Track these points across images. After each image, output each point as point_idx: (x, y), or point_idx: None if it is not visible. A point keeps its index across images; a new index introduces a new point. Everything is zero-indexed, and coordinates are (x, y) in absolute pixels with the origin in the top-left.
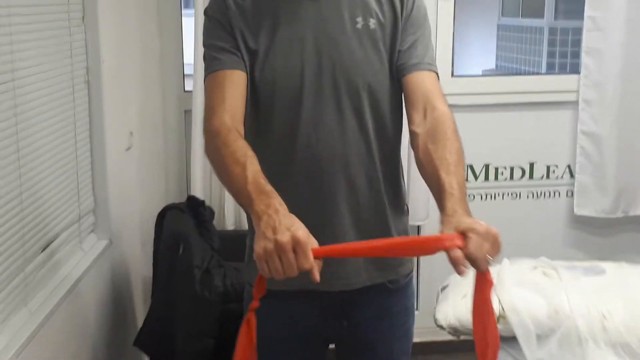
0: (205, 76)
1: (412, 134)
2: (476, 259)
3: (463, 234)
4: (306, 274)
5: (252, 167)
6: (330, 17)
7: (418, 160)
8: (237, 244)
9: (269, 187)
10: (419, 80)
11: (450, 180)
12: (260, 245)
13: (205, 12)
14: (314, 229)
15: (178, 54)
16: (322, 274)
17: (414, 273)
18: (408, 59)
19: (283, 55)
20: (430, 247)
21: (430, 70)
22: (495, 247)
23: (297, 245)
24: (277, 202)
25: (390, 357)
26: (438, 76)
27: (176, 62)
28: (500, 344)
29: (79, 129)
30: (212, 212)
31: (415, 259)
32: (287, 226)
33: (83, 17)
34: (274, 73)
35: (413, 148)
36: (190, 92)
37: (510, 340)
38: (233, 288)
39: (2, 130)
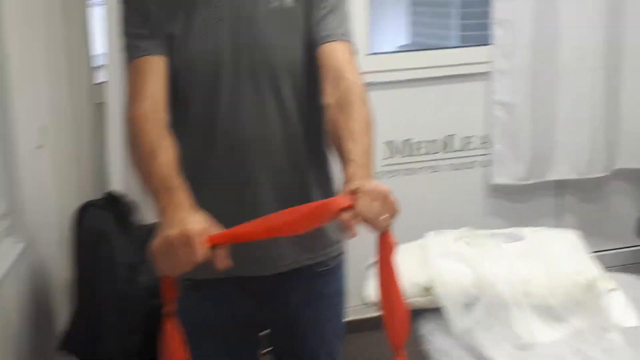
0: (126, 62)
1: (326, 107)
2: (367, 217)
3: (352, 195)
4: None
5: (162, 160)
6: None
7: (328, 132)
8: None
9: (175, 182)
10: (331, 51)
11: (352, 148)
12: (153, 242)
13: None
14: (239, 214)
15: (85, 45)
16: (248, 259)
17: None
18: (321, 30)
19: (199, 38)
20: (321, 212)
21: (342, 40)
22: (387, 205)
23: (187, 239)
24: (181, 198)
25: (322, 339)
26: (354, 46)
27: (84, 54)
28: (409, 314)
29: None
30: (132, 206)
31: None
32: (179, 220)
33: None
34: (190, 56)
35: (326, 119)
36: (100, 84)
37: (437, 310)
38: (158, 282)
39: None
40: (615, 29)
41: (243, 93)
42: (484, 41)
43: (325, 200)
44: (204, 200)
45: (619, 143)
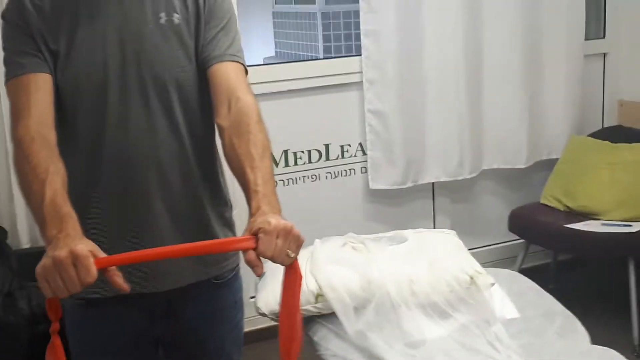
0: (7, 81)
1: (219, 128)
2: (270, 257)
3: (253, 236)
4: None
5: (51, 186)
6: (133, 12)
7: (225, 155)
8: (36, 262)
9: (65, 210)
10: (223, 72)
11: (254, 177)
12: (40, 264)
13: (2, 16)
14: (132, 234)
15: None
16: (140, 275)
17: None
18: (211, 50)
19: (85, 54)
20: (224, 249)
21: (234, 61)
22: (291, 240)
23: (76, 259)
24: (71, 227)
25: (222, 351)
26: (245, 67)
27: None
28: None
29: None
30: (4, 232)
31: (239, 253)
32: (67, 242)
33: None
34: (76, 73)
35: (221, 142)
36: None
37: (330, 316)
38: (40, 308)
39: None
40: (474, 40)
41: (131, 109)
42: (344, 51)
43: (228, 240)
44: (94, 219)
45: (484, 145)
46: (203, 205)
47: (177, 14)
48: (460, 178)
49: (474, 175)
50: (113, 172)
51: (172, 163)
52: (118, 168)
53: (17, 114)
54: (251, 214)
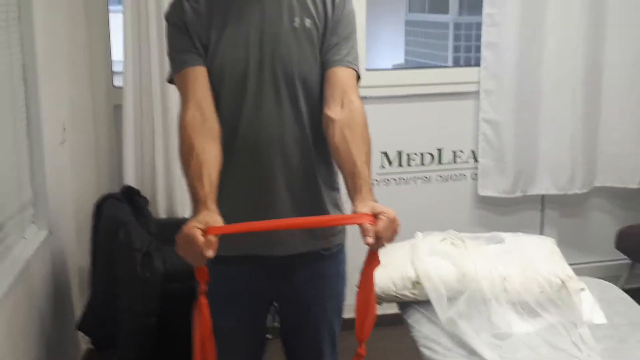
0: (174, 76)
1: (329, 119)
2: (380, 236)
3: (375, 215)
4: (248, 241)
5: (203, 167)
6: (272, 16)
7: (333, 143)
8: (171, 230)
9: (207, 189)
10: (339, 74)
11: (364, 170)
12: (177, 237)
13: (166, 18)
14: (255, 200)
15: (106, 50)
16: (262, 241)
17: None
18: (333, 55)
19: (230, 48)
20: (348, 221)
21: (350, 67)
22: (394, 233)
23: (190, 238)
24: (204, 198)
25: (324, 315)
26: (359, 76)
27: (104, 59)
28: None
29: (18, 124)
30: (146, 201)
31: (345, 233)
32: (198, 218)
33: (19, 17)
34: (221, 64)
35: (327, 131)
36: (119, 87)
37: (425, 302)
38: (173, 269)
39: None
40: (594, 54)
41: (265, 99)
42: (473, 62)
43: (353, 215)
44: (226, 193)
45: (597, 162)
46: (319, 186)
47: (309, 19)
48: (570, 192)
49: (584, 191)
50: (244, 152)
51: (294, 146)
52: (249, 148)
53: (183, 104)
54: (361, 198)
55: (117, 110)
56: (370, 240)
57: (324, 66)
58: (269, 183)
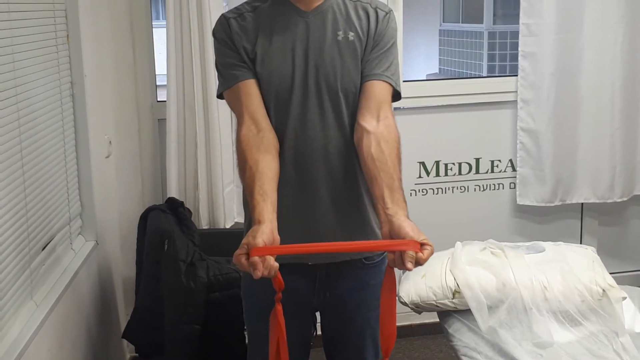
0: (224, 91)
1: (363, 130)
2: (421, 264)
3: (422, 244)
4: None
5: (256, 180)
6: (316, 30)
7: (369, 153)
8: (213, 240)
9: (260, 202)
10: (376, 87)
11: (402, 188)
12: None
13: (213, 35)
14: (299, 207)
15: (150, 65)
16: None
17: None
18: (372, 68)
19: (276, 62)
20: (396, 247)
21: (388, 82)
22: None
23: (238, 261)
24: (257, 212)
25: (367, 324)
26: (397, 93)
27: (149, 74)
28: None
29: (67, 138)
30: (189, 212)
31: None
32: (253, 233)
33: (68, 36)
34: (269, 76)
35: (360, 141)
36: (162, 102)
37: (465, 311)
38: (216, 279)
39: (8, 141)
40: (632, 62)
41: (309, 109)
42: (508, 71)
43: (400, 242)
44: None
45: (636, 171)
46: (361, 196)
47: (353, 32)
48: (610, 201)
49: (624, 199)
50: (290, 161)
51: (337, 156)
52: (294, 158)
53: (238, 119)
54: (398, 213)
55: (161, 124)
56: (411, 267)
57: (363, 78)
58: (313, 193)
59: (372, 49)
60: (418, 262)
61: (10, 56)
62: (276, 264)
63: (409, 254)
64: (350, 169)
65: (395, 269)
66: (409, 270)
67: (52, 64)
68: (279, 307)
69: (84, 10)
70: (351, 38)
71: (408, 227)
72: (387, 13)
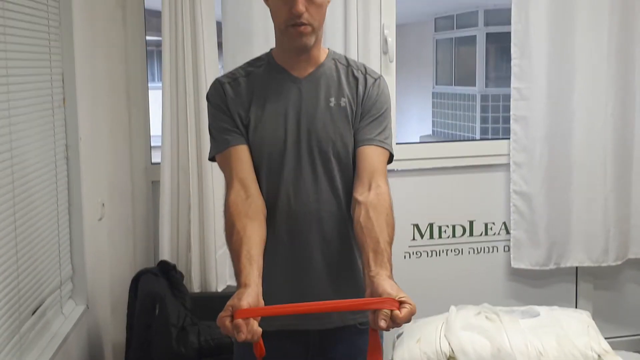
0: (215, 154)
1: (356, 201)
2: (399, 323)
3: (400, 302)
4: (284, 315)
5: (243, 245)
6: (309, 96)
7: (358, 222)
8: (205, 304)
9: (247, 267)
10: (369, 154)
11: (388, 249)
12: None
13: (207, 99)
14: (293, 273)
15: (145, 127)
16: (299, 314)
17: None
18: (365, 134)
19: (270, 126)
20: (374, 306)
21: (381, 146)
22: (409, 321)
23: (221, 324)
24: (244, 281)
25: None
26: (391, 155)
27: (144, 136)
28: None
29: (60, 201)
30: (182, 275)
31: None
32: (238, 295)
33: (64, 99)
34: (262, 140)
35: (353, 212)
36: (156, 164)
37: None
38: (207, 344)
39: (2, 204)
40: (624, 125)
41: (302, 173)
42: (501, 133)
43: (378, 300)
44: (265, 266)
45: (631, 234)
46: (355, 262)
47: (345, 98)
48: (604, 265)
49: (619, 263)
50: (283, 225)
51: (330, 220)
52: (287, 221)
53: (227, 183)
54: (380, 274)
55: (154, 186)
56: (385, 325)
57: (356, 143)
58: (307, 257)
59: (364, 116)
60: (394, 321)
61: (7, 120)
62: (259, 329)
63: (382, 312)
64: (344, 234)
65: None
66: (383, 329)
67: (47, 127)
68: None
69: (81, 73)
70: (343, 104)
71: (387, 285)
72: (376, 79)
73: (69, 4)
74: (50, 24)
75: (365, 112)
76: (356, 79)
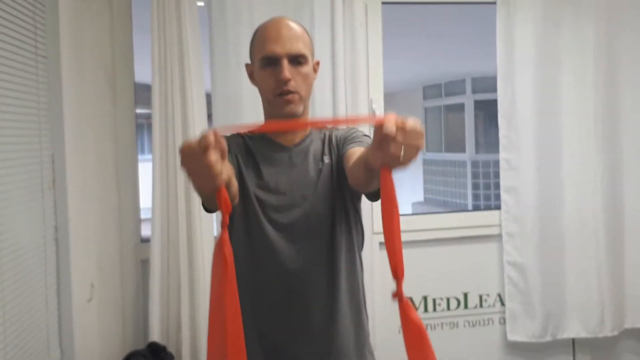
0: None
1: (350, 167)
2: (410, 134)
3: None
4: None
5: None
6: (299, 163)
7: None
8: None
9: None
10: (355, 151)
11: None
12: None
13: None
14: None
15: (135, 204)
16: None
17: None
18: (348, 148)
19: (262, 189)
20: (369, 120)
21: (362, 146)
22: (419, 147)
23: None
24: None
25: None
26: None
27: (133, 213)
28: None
29: (49, 283)
30: (172, 357)
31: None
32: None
33: (54, 181)
34: (252, 202)
35: (346, 164)
36: (146, 241)
37: None
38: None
39: None
40: (614, 195)
41: (295, 235)
42: (493, 199)
43: (374, 117)
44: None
45: (626, 303)
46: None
47: (326, 155)
48: (601, 335)
49: (615, 333)
50: (277, 284)
51: (324, 280)
52: (280, 281)
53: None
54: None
55: (144, 264)
56: (392, 127)
57: (345, 162)
58: (302, 316)
59: (342, 147)
60: (404, 130)
61: None
62: (225, 150)
63: (385, 120)
64: (337, 299)
65: None
66: (390, 133)
67: (37, 209)
68: (225, 236)
69: (70, 154)
70: (327, 161)
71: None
72: (344, 128)
73: (59, 86)
74: (40, 106)
75: (341, 145)
76: (331, 134)
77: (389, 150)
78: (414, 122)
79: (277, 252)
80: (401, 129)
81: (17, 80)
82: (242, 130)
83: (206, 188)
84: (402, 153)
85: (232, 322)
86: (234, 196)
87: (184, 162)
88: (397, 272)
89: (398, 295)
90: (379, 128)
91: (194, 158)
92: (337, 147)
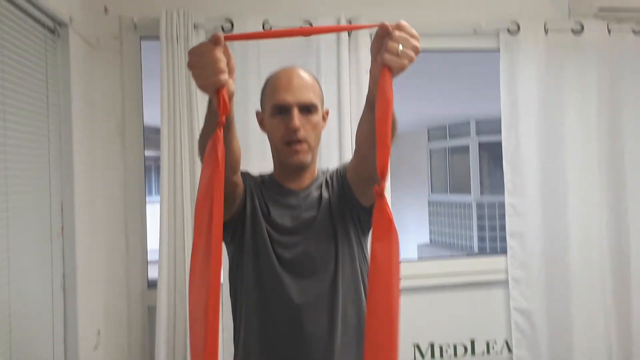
0: None
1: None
2: (408, 33)
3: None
4: None
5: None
6: (304, 200)
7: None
8: None
9: None
10: (352, 160)
11: None
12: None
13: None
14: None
15: (142, 250)
16: None
17: None
18: (346, 166)
19: (272, 228)
20: (366, 26)
21: None
22: (415, 49)
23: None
24: None
25: None
26: None
27: (140, 259)
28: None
29: (56, 330)
30: None
31: None
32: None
33: (62, 228)
34: (264, 240)
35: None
36: (153, 287)
37: None
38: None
39: None
40: (619, 239)
41: (303, 269)
42: (499, 240)
43: (372, 25)
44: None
45: (634, 349)
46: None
47: (325, 191)
48: None
49: None
50: (284, 317)
51: (330, 312)
52: (288, 314)
53: None
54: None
55: (150, 311)
56: (388, 24)
57: (347, 178)
58: (305, 349)
59: (340, 173)
60: (401, 28)
61: (5, 253)
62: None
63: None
64: (341, 330)
65: None
66: (384, 28)
67: (45, 256)
68: (219, 133)
69: (79, 201)
70: (325, 196)
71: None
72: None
73: (70, 134)
74: (50, 154)
75: (338, 175)
76: (331, 175)
77: (387, 46)
78: (408, 28)
79: (284, 287)
80: (397, 26)
81: (28, 129)
82: (243, 38)
83: (208, 83)
84: (399, 48)
85: (217, 215)
86: (234, 163)
87: (192, 59)
88: (383, 172)
89: (379, 191)
90: (378, 32)
91: (202, 53)
92: (332, 179)
